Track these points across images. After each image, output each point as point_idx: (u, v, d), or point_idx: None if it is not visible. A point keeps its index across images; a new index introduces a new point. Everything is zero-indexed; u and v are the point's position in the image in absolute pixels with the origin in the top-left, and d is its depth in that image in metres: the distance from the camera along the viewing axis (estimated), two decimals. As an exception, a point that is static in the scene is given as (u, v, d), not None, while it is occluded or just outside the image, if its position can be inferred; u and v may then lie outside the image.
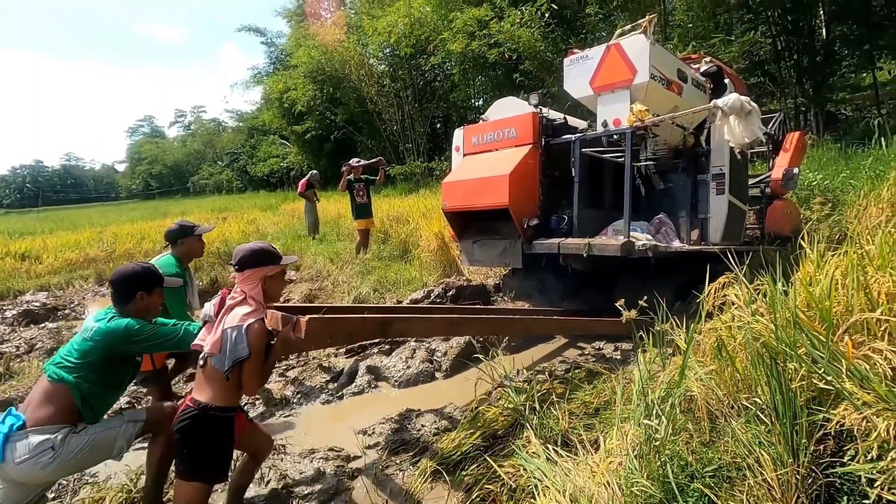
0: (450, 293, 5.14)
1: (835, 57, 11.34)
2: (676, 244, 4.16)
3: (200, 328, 2.11)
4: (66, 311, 6.48)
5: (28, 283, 8.12)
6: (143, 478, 2.28)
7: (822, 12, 10.98)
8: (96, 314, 2.18)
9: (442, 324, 3.22)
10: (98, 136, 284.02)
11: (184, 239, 3.07)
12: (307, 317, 2.18)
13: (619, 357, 3.71)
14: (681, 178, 4.64)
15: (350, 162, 7.49)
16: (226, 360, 1.91)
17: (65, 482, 2.48)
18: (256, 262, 2.04)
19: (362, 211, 7.46)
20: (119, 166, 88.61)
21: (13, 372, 4.06)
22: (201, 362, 1.98)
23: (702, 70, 4.58)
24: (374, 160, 7.70)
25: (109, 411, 2.25)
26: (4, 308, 6.52)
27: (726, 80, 4.57)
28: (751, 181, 5.54)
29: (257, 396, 3.44)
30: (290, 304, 3.06)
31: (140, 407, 2.54)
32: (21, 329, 5.76)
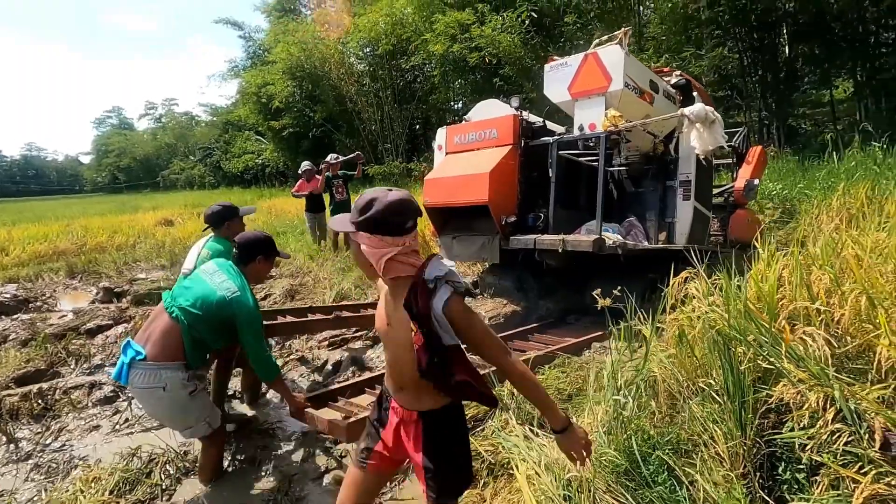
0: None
1: (797, 74, 11.97)
2: (645, 245, 4.40)
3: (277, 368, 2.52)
4: (38, 304, 6.35)
5: (-6, 274, 7.89)
6: (135, 459, 2.37)
7: (785, 31, 11.60)
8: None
9: None
10: (62, 127, 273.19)
11: (230, 221, 3.22)
12: (347, 422, 2.27)
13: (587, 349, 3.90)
14: (650, 183, 4.89)
15: (327, 159, 7.47)
16: None
17: (54, 465, 2.52)
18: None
19: (342, 207, 7.40)
20: (84, 158, 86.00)
21: (-12, 361, 4.02)
22: None
23: (672, 82, 4.86)
24: (351, 155, 7.74)
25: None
26: (-29, 299, 6.35)
27: (694, 94, 4.86)
28: (715, 191, 5.89)
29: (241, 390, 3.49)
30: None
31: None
32: (-9, 320, 5.64)
